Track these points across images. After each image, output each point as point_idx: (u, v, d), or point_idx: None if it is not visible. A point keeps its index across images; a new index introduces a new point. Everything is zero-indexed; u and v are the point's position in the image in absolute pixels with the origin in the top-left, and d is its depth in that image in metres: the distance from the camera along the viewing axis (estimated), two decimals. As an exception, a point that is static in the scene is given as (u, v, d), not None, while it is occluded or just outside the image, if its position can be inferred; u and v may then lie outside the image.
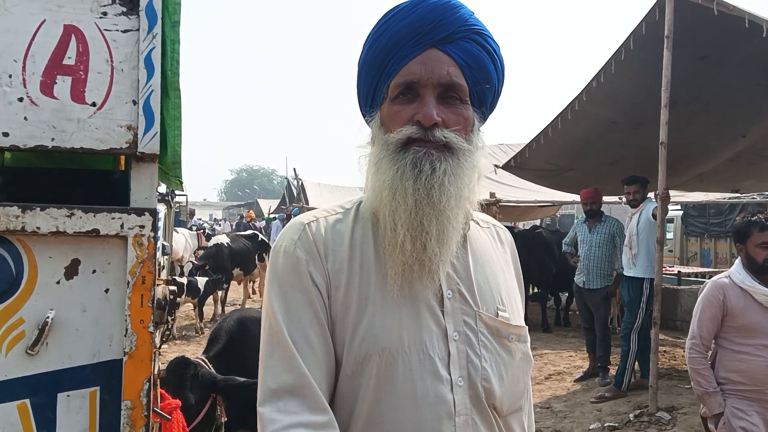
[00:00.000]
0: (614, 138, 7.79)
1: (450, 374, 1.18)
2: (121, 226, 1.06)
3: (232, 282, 11.79)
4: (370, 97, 1.30)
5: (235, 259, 11.26)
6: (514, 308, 1.32)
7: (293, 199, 25.41)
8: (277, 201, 36.47)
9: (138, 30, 1.08)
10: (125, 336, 1.06)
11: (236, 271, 11.44)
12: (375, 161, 1.25)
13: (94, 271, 1.06)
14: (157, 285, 1.09)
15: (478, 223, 1.39)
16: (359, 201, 1.35)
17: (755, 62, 6.32)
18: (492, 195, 9.30)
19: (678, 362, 7.98)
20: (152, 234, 1.08)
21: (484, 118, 1.31)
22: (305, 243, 1.25)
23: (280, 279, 1.24)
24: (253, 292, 13.27)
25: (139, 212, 1.07)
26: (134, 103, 1.10)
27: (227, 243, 11.38)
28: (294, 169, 23.94)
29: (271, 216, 28.77)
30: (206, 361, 3.06)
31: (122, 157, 2.01)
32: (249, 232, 14.14)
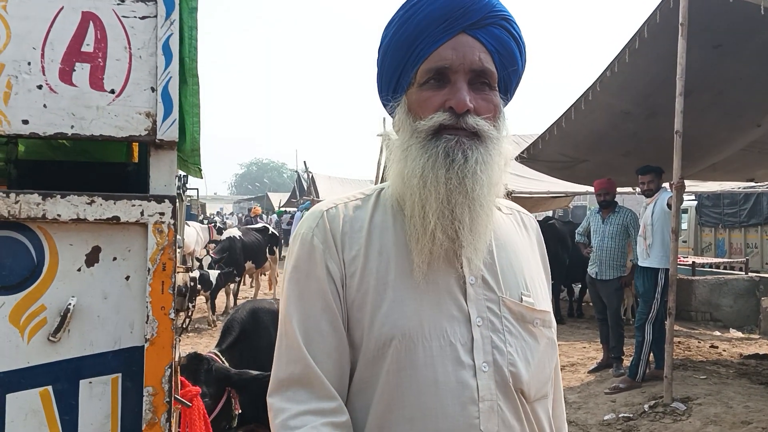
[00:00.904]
0: (628, 128, 7.73)
1: (474, 360, 1.18)
2: (141, 213, 1.06)
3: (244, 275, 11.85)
4: (394, 82, 1.28)
5: (247, 252, 11.31)
6: (538, 293, 1.31)
7: (303, 192, 25.45)
8: (288, 194, 36.55)
9: (156, 16, 1.07)
10: (146, 323, 1.06)
11: (248, 264, 11.49)
12: (403, 148, 1.24)
13: (114, 259, 1.07)
14: (178, 272, 1.09)
15: (500, 209, 1.38)
16: (380, 188, 1.35)
17: (771, 50, 6.25)
18: (504, 186, 9.25)
19: (693, 353, 7.95)
20: (172, 221, 1.08)
21: (506, 103, 1.30)
22: (322, 231, 1.25)
23: (296, 266, 1.25)
24: (268, 284, 13.31)
25: (159, 199, 1.07)
26: (152, 90, 1.09)
27: (239, 236, 11.42)
28: (304, 162, 23.94)
29: (282, 209, 28.79)
30: (219, 354, 3.07)
31: (136, 149, 2.02)
32: (260, 225, 14.18)
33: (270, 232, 12.68)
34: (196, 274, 9.02)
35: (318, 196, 22.51)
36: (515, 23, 1.27)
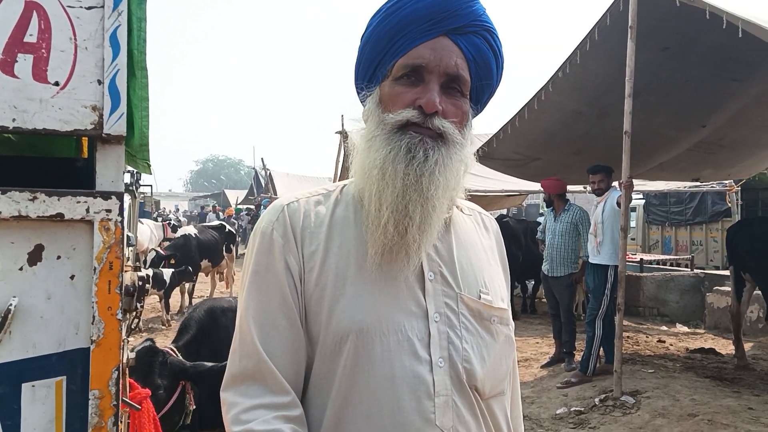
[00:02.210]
0: (579, 128, 7.87)
1: (430, 355, 1.18)
2: (87, 210, 1.03)
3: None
4: (371, 72, 1.28)
5: (202, 250, 11.13)
6: (497, 291, 1.32)
7: (261, 189, 25.21)
8: (245, 192, 36.19)
9: (103, 7, 1.04)
10: (92, 324, 1.02)
11: (204, 262, 11.31)
12: (368, 137, 1.25)
13: (58, 257, 1.03)
14: (125, 271, 1.06)
15: (462, 210, 1.39)
16: (343, 184, 1.35)
17: (715, 53, 6.43)
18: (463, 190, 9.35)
19: (641, 347, 8.14)
20: (119, 218, 1.04)
21: (475, 114, 1.31)
22: (282, 225, 1.24)
23: (255, 260, 1.24)
24: (224, 282, 13.15)
25: (106, 196, 1.04)
26: (99, 82, 1.06)
27: (195, 234, 11.24)
28: (262, 159, 23.75)
29: (239, 206, 28.46)
30: (175, 350, 3.02)
31: (85, 144, 1.96)
32: (216, 222, 14.00)
33: (227, 230, 12.52)
34: (146, 272, 8.85)
35: (276, 194, 22.36)
36: (497, 37, 1.28)
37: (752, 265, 7.14)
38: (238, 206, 29.35)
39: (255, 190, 29.40)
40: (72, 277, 1.03)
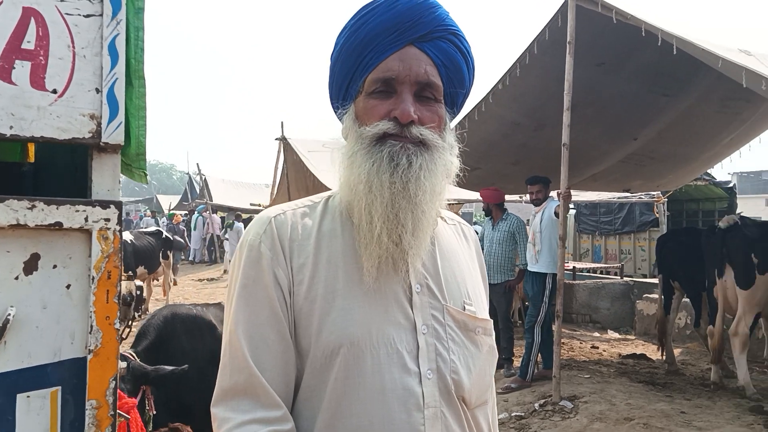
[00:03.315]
0: (517, 139, 8.08)
1: (419, 367, 1.20)
2: (86, 219, 1.01)
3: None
4: (344, 90, 1.29)
5: (138, 256, 10.83)
6: (479, 302, 1.35)
7: (195, 195, 24.75)
8: (178, 197, 35.38)
9: (101, 15, 1.03)
10: (90, 333, 1.01)
11: (140, 269, 11.01)
12: (349, 155, 1.25)
13: (54, 266, 1.01)
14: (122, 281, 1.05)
15: (445, 220, 1.41)
16: (328, 195, 1.35)
17: (648, 69, 6.74)
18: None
19: (576, 353, 8.39)
20: (118, 228, 1.03)
21: (452, 118, 1.34)
22: (270, 238, 1.24)
23: (243, 274, 1.23)
24: (162, 289, 12.80)
25: (105, 205, 1.03)
26: (97, 91, 1.05)
27: (131, 240, 10.93)
28: (197, 164, 23.32)
29: (173, 212, 27.78)
30: (134, 354, 2.95)
31: (31, 149, 1.91)
32: (152, 228, 13.65)
33: (164, 236, 12.23)
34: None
35: (211, 199, 21.98)
36: (464, 39, 1.30)
37: (681, 273, 7.47)
38: (172, 211, 28.69)
39: (189, 196, 28.80)
40: (68, 287, 1.01)
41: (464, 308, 1.29)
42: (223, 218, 23.46)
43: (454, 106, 1.33)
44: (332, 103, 1.35)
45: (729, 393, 6.42)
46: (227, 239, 18.31)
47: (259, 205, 16.57)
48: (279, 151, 12.53)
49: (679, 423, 5.49)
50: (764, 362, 7.54)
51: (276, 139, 12.41)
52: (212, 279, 18.17)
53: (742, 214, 7.58)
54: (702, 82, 6.88)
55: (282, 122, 12.00)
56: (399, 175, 1.20)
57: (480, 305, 1.34)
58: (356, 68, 1.26)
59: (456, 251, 1.38)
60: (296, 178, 12.08)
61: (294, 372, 1.20)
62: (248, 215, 18.89)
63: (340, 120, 1.35)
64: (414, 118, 1.21)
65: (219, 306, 3.54)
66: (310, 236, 1.26)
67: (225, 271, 19.11)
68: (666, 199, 11.32)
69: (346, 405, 1.17)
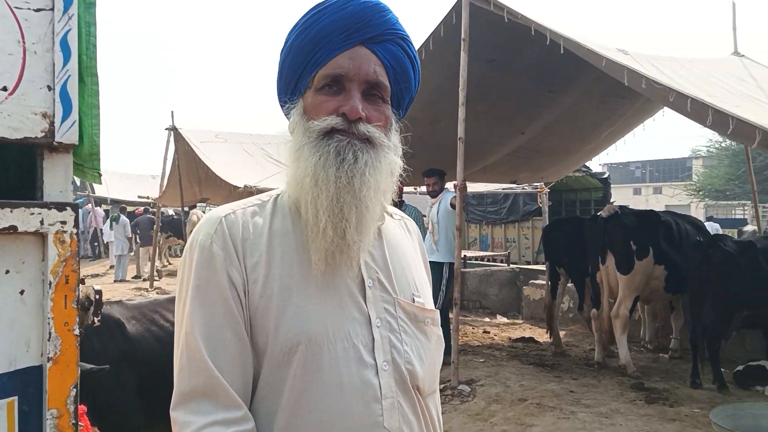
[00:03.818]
0: (414, 132, 8.19)
1: (375, 360, 1.22)
2: (41, 222, 0.96)
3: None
4: (293, 85, 1.30)
5: None
6: (426, 294, 1.39)
7: (77, 188, 23.44)
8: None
9: (52, 9, 0.97)
10: (49, 340, 0.96)
11: None
12: (296, 148, 1.26)
13: (7, 272, 0.95)
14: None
15: (391, 216, 1.44)
16: (276, 194, 1.35)
17: (536, 67, 7.08)
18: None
19: (470, 338, 8.70)
20: (75, 231, 0.99)
21: (397, 119, 1.37)
22: (221, 238, 1.22)
23: (195, 275, 1.20)
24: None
25: (60, 207, 0.98)
26: (49, 88, 0.99)
27: None
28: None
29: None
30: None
31: None
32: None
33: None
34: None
35: (94, 192, 20.89)
36: (411, 44, 1.34)
37: (565, 260, 7.91)
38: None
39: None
40: (21, 293, 0.96)
41: (414, 300, 1.33)
42: (107, 211, 22.35)
43: (400, 108, 1.37)
44: (280, 98, 1.36)
45: (612, 372, 6.89)
46: (112, 235, 17.50)
47: (148, 198, 15.93)
48: (168, 142, 12.09)
49: (569, 401, 5.84)
50: (641, 342, 8.13)
51: (166, 128, 11.96)
52: (97, 275, 17.32)
53: (614, 203, 8.10)
54: (584, 80, 7.31)
55: (172, 111, 11.59)
56: (345, 170, 1.21)
57: (427, 297, 1.39)
58: (306, 64, 1.27)
59: (402, 245, 1.42)
60: (188, 169, 11.71)
61: (251, 371, 1.20)
62: (135, 208, 18.11)
63: (286, 115, 1.35)
64: (362, 115, 1.23)
65: (121, 304, 3.41)
66: (261, 235, 1.26)
67: (111, 267, 18.25)
68: (548, 190, 11.92)
69: (305, 401, 1.18)
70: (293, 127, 1.31)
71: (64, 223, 0.99)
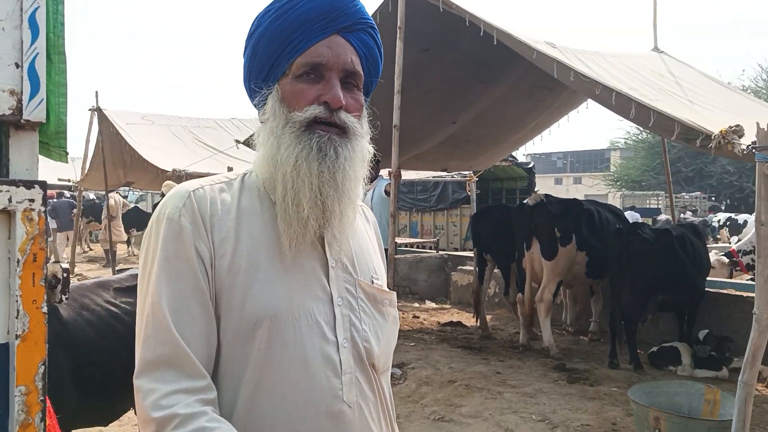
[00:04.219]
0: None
1: (336, 337, 1.28)
2: (9, 200, 0.96)
3: None
4: (266, 70, 1.32)
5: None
6: (383, 277, 1.46)
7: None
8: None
9: (21, -14, 0.97)
10: (17, 318, 0.96)
11: None
12: (276, 135, 1.28)
13: (-27, 250, 0.95)
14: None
15: None
16: (244, 173, 1.38)
17: (469, 57, 7.22)
18: (229, 170, 9.26)
19: (400, 323, 8.83)
20: (43, 209, 0.99)
21: (366, 105, 1.41)
22: (190, 212, 1.24)
23: (163, 246, 1.22)
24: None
25: (29, 185, 0.98)
26: (17, 66, 0.98)
27: None
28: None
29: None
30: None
31: None
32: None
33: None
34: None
35: (8, 174, 19.78)
36: (378, 33, 1.39)
37: (492, 247, 8.13)
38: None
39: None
40: (-12, 271, 0.96)
41: (373, 282, 1.39)
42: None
43: (368, 94, 1.42)
44: (249, 82, 1.37)
45: (536, 353, 7.16)
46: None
47: (69, 180, 15.31)
48: (92, 123, 11.66)
49: (495, 382, 6.05)
50: (563, 325, 8.47)
51: (89, 109, 11.52)
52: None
53: (538, 191, 8.39)
54: (514, 71, 7.51)
55: (96, 92, 11.16)
56: (327, 165, 1.26)
57: (384, 280, 1.46)
58: (282, 51, 1.29)
59: (362, 231, 1.48)
60: (112, 152, 11.35)
61: (215, 344, 1.23)
62: (56, 190, 17.37)
63: (252, 101, 1.38)
64: (343, 104, 1.28)
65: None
66: (229, 212, 1.29)
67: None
68: (477, 179, 12.15)
69: (269, 374, 1.23)
70: (270, 113, 1.32)
71: (32, 201, 0.99)
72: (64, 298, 1.02)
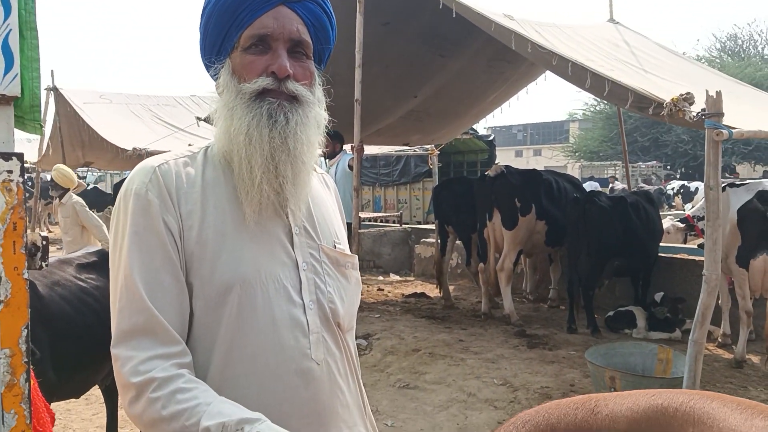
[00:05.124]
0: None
1: (302, 299, 1.35)
2: (-12, 172, 1.01)
3: None
4: (218, 45, 1.37)
5: None
6: (344, 242, 1.53)
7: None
8: None
9: (-9, -36, 1.00)
10: (0, 284, 1.02)
11: None
12: (229, 107, 1.34)
13: (-46, 220, 0.99)
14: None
15: (315, 170, 1.55)
16: (206, 146, 1.43)
17: (428, 31, 7.27)
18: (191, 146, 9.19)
19: (365, 296, 8.95)
20: (21, 179, 1.04)
21: (320, 73, 1.46)
22: (156, 186, 1.30)
23: (132, 221, 1.27)
24: None
25: (6, 157, 1.02)
26: None
27: None
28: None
29: None
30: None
31: None
32: None
33: None
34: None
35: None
36: (327, 2, 1.44)
37: (454, 218, 8.26)
38: None
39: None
40: (-30, 240, 1.01)
41: (335, 247, 1.47)
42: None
43: (321, 62, 1.47)
44: (204, 58, 1.42)
45: (497, 321, 7.36)
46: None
47: (26, 162, 14.94)
48: (48, 103, 11.40)
49: (458, 350, 6.21)
50: (523, 293, 8.68)
51: (45, 89, 11.26)
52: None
53: (499, 164, 8.51)
54: (473, 44, 7.58)
55: (52, 71, 10.91)
56: (278, 130, 1.31)
57: (346, 244, 1.53)
58: (231, 25, 1.34)
59: (323, 197, 1.55)
60: (70, 132, 11.13)
61: (188, 312, 1.30)
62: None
63: (211, 75, 1.43)
64: (290, 73, 1.33)
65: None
66: (194, 184, 1.34)
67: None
68: (438, 152, 12.26)
69: (240, 337, 1.30)
70: (223, 87, 1.38)
71: (10, 172, 1.04)
72: (44, 264, 1.07)
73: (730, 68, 28.29)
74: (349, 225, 7.00)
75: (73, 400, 3.88)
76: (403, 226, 12.72)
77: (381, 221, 14.03)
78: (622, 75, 5.31)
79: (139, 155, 9.07)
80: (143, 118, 11.48)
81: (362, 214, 14.46)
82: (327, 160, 7.67)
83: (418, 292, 9.13)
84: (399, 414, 4.75)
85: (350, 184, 6.79)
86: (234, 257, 1.31)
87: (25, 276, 1.03)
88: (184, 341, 1.29)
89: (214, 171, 1.38)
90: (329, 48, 1.48)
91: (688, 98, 4.34)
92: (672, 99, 4.36)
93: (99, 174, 25.51)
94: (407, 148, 12.33)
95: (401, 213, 14.86)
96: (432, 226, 10.76)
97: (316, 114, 1.40)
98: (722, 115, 4.07)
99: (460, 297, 8.90)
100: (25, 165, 1.00)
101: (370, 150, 13.09)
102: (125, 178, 1.39)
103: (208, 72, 1.43)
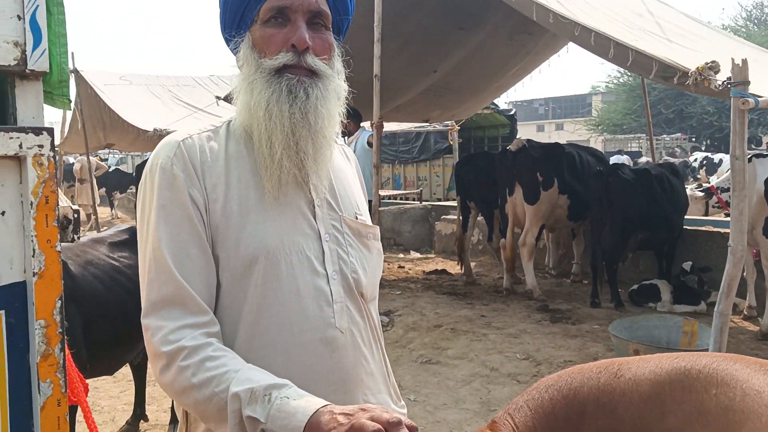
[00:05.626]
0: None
1: (326, 270, 1.37)
2: (20, 146, 1.02)
3: None
4: (238, 18, 1.37)
5: None
6: (366, 213, 1.54)
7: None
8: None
9: (18, -59, 1.01)
10: (33, 256, 1.03)
11: None
12: (249, 81, 1.35)
13: (-13, 195, 1.01)
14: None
15: (335, 142, 1.56)
16: (228, 120, 1.44)
17: (448, 4, 7.19)
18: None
19: (386, 273, 8.98)
20: (52, 154, 1.05)
21: (339, 44, 1.47)
22: (181, 161, 1.32)
23: (158, 195, 1.30)
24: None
25: (37, 131, 1.03)
26: (19, 18, 1.02)
27: None
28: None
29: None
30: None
31: None
32: None
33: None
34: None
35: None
36: None
37: (476, 194, 8.24)
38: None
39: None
40: (2, 213, 1.02)
41: (356, 218, 1.48)
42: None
43: (340, 33, 1.47)
44: (224, 32, 1.43)
45: (519, 296, 7.35)
46: None
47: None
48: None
49: (480, 325, 6.23)
50: (545, 268, 8.65)
51: (238, 65, 11.31)
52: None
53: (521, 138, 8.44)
54: (493, 16, 7.49)
55: (72, 53, 10.96)
56: (298, 106, 1.32)
57: (367, 215, 1.54)
58: None
59: (344, 169, 1.56)
60: (91, 114, 11.23)
61: (215, 283, 1.32)
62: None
63: (231, 50, 1.44)
64: (309, 45, 1.33)
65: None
66: (218, 158, 1.36)
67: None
68: (459, 128, 12.18)
69: (266, 306, 1.32)
70: (243, 60, 1.39)
71: (41, 146, 1.05)
72: (76, 237, 1.09)
73: (756, 37, 27.74)
74: (369, 203, 7.03)
75: (100, 378, 3.97)
76: (423, 203, 12.69)
77: (401, 199, 14.01)
78: (646, 44, 5.22)
79: (160, 136, 9.14)
80: (163, 98, 11.54)
81: (382, 192, 14.47)
82: (345, 138, 7.66)
83: (439, 269, 9.14)
84: (422, 389, 4.79)
85: (370, 162, 6.78)
86: (258, 229, 1.33)
87: (58, 248, 1.06)
88: (213, 311, 1.31)
89: (237, 144, 1.39)
90: (348, 19, 1.48)
91: (714, 66, 4.26)
92: (697, 67, 4.29)
93: (120, 156, 25.73)
94: (427, 124, 12.26)
95: (421, 190, 14.82)
96: (452, 203, 10.74)
97: (336, 86, 1.40)
98: (748, 83, 3.99)
99: (482, 273, 8.90)
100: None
101: (389, 127, 13.05)
102: (146, 159, 1.41)
103: (228, 46, 1.44)
